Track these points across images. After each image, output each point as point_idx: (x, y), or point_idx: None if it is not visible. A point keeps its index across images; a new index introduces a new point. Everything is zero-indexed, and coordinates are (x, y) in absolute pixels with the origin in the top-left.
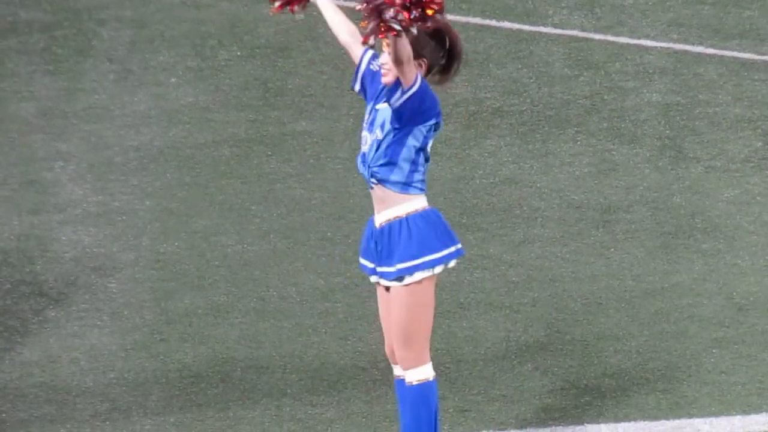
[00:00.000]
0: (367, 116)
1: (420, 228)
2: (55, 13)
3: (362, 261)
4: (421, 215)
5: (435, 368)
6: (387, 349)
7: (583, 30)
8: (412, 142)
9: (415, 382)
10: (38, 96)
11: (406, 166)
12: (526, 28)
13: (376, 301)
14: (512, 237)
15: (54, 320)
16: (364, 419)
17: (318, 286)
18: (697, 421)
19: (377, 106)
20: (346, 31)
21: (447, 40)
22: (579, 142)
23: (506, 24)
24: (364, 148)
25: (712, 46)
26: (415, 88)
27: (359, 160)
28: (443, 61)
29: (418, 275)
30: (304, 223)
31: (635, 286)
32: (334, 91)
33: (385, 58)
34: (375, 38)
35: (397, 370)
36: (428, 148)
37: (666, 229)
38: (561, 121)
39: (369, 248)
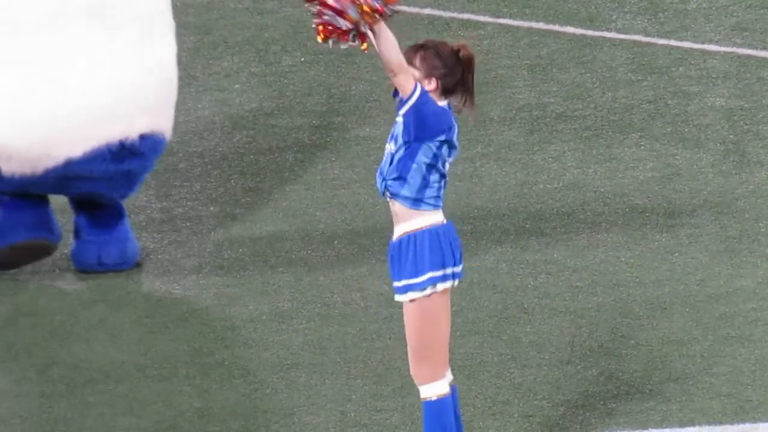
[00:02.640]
0: (392, 128)
1: (424, 246)
2: None
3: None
4: (429, 232)
5: (500, 374)
6: None
7: (647, 34)
8: (422, 158)
9: (427, 398)
10: None
11: (417, 182)
12: (590, 32)
13: None
14: (576, 242)
15: (118, 327)
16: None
17: (382, 291)
18: (762, 426)
19: (396, 119)
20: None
21: (460, 60)
22: (643, 147)
23: (569, 29)
24: (384, 159)
25: None
26: (412, 100)
27: (378, 173)
28: (456, 80)
29: (417, 293)
30: (368, 229)
31: (699, 290)
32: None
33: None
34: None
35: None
36: (442, 166)
37: (730, 233)
38: (625, 125)
39: (391, 265)
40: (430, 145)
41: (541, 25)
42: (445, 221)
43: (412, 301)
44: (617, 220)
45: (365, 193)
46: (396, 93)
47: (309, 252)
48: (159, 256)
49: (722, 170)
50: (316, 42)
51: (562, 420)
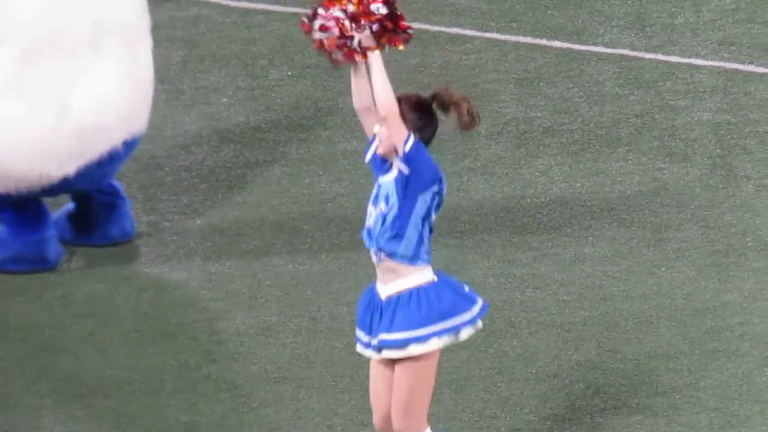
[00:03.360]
0: (374, 191)
1: (430, 299)
2: None
3: (358, 333)
4: (433, 286)
5: (487, 387)
6: (377, 424)
7: (634, 49)
8: (419, 212)
9: None
10: None
11: (414, 238)
12: (577, 47)
13: None
14: (563, 256)
15: (106, 341)
16: None
17: None
18: None
19: (381, 180)
20: (366, 99)
21: (434, 114)
22: (630, 161)
23: (557, 43)
24: (369, 222)
25: (762, 65)
26: (408, 145)
27: (365, 234)
28: (433, 131)
29: (428, 344)
30: (355, 243)
31: (686, 304)
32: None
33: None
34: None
35: None
36: (432, 219)
37: (717, 247)
38: (612, 140)
39: (365, 320)
40: (425, 196)
41: (529, 40)
42: (436, 278)
43: (405, 359)
44: (604, 234)
45: (352, 207)
46: (375, 157)
47: (296, 266)
48: (146, 270)
49: (709, 184)
50: (304, 56)
51: None
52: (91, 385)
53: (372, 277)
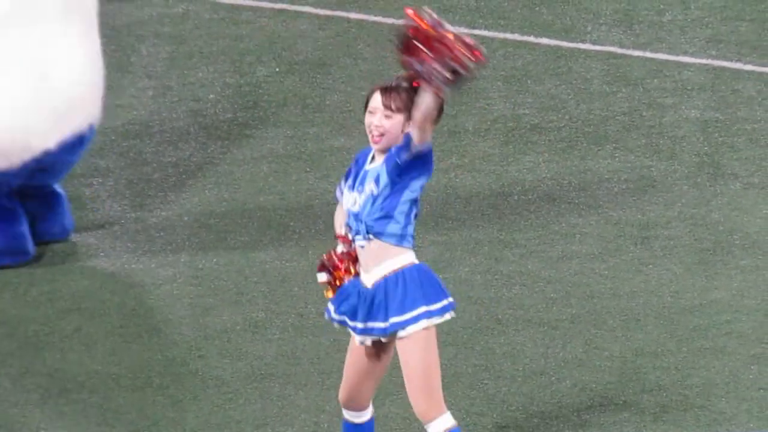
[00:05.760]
0: (350, 181)
1: (416, 280)
2: None
3: (342, 318)
4: (417, 268)
5: (474, 385)
6: (343, 396)
7: (622, 46)
8: (408, 195)
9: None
10: None
11: (402, 219)
12: (565, 44)
13: None
14: (550, 253)
15: (92, 336)
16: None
17: None
18: None
19: (367, 167)
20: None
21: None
22: (617, 159)
23: (544, 40)
24: (353, 207)
25: (750, 63)
26: (427, 147)
27: (350, 219)
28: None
29: (423, 323)
30: None
31: (673, 302)
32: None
33: (381, 121)
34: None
35: (350, 415)
36: (419, 206)
37: (704, 245)
38: (599, 137)
39: (351, 306)
40: (420, 180)
41: (516, 37)
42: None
43: (412, 335)
44: (591, 231)
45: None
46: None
47: (283, 262)
48: (133, 266)
49: (697, 182)
50: (291, 53)
51: (535, 431)
52: (77, 380)
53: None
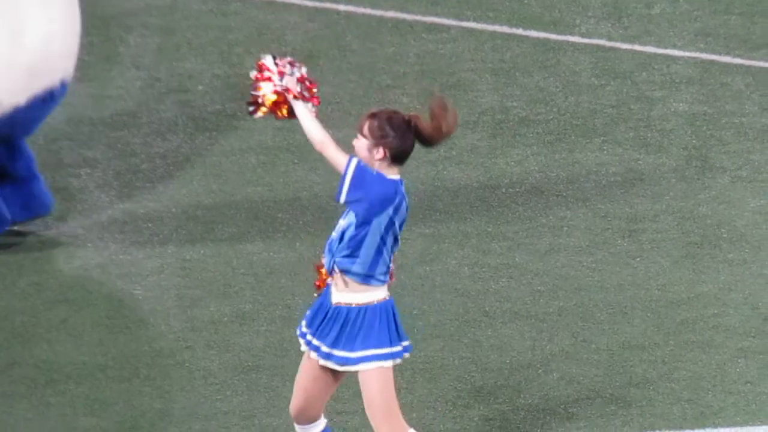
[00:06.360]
0: None
1: (373, 322)
2: (82, 20)
3: (302, 324)
4: (381, 307)
5: (461, 377)
6: (294, 409)
7: (610, 39)
8: (374, 234)
9: None
10: (65, 103)
11: (369, 258)
12: (553, 37)
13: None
14: (538, 246)
15: (79, 327)
16: None
17: None
18: (723, 431)
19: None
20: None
21: (411, 128)
22: (605, 152)
23: (533, 33)
24: (334, 234)
25: (739, 56)
26: (349, 171)
27: (326, 246)
28: (406, 149)
29: (374, 364)
30: (330, 231)
31: (661, 295)
32: (360, 99)
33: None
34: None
35: (302, 430)
36: (396, 235)
37: (692, 238)
38: (588, 130)
39: (315, 317)
40: (380, 220)
41: (505, 29)
42: (388, 296)
43: (360, 372)
44: (579, 224)
45: (327, 196)
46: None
47: (271, 254)
48: (120, 257)
49: (685, 175)
50: (280, 44)
51: (522, 424)
52: (64, 371)
53: None
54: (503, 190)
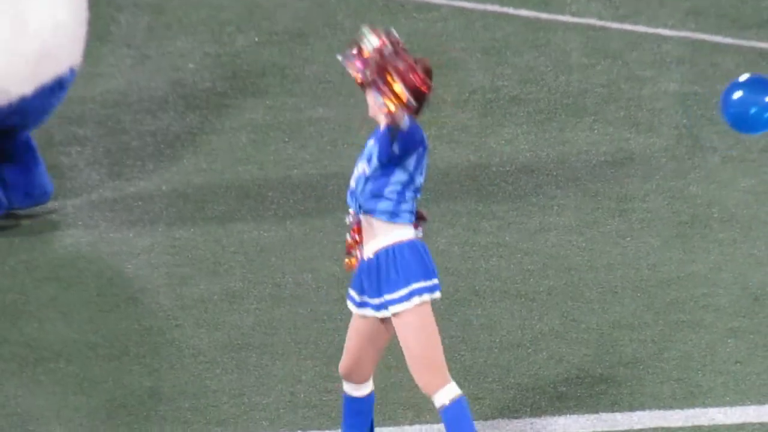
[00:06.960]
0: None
1: (404, 258)
2: None
3: (350, 291)
4: (409, 245)
5: (451, 356)
6: (344, 368)
7: (601, 19)
8: (398, 176)
9: (447, 402)
10: None
11: (394, 197)
12: (544, 16)
13: None
14: (528, 225)
15: (69, 305)
16: (378, 406)
17: (334, 272)
18: (712, 411)
19: (368, 141)
20: None
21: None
22: (596, 131)
23: (524, 12)
24: (352, 180)
25: (729, 36)
26: (406, 132)
27: (348, 194)
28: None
29: (415, 300)
30: (321, 210)
31: (651, 275)
32: (351, 78)
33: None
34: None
35: (350, 388)
36: (418, 180)
37: (682, 218)
38: (578, 109)
39: (357, 281)
40: (410, 161)
41: (496, 8)
42: (418, 237)
43: (404, 313)
44: (569, 203)
45: (318, 174)
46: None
47: (261, 232)
48: (111, 235)
49: (675, 155)
50: (271, 23)
51: (512, 403)
52: (53, 349)
53: (337, 245)
54: (493, 169)
